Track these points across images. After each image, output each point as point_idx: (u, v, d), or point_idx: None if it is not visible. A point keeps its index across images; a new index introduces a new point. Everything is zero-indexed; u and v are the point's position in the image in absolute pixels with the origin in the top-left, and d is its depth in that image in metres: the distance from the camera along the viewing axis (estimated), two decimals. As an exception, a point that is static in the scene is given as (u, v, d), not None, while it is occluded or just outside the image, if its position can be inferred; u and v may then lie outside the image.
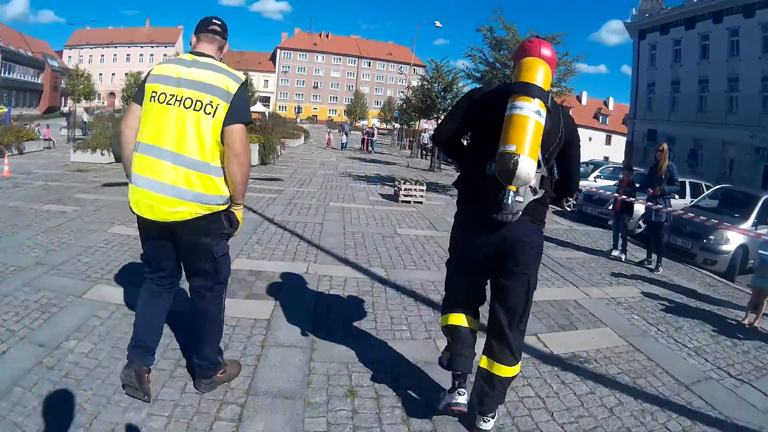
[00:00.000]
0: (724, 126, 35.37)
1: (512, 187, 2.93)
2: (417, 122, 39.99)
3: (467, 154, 3.46)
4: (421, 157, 36.32)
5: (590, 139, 72.69)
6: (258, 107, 70.56)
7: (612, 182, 17.82)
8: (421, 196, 13.51)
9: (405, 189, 13.39)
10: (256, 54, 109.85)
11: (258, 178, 15.18)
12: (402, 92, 44.40)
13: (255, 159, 19.28)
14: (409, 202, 13.26)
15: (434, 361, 3.97)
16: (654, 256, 9.49)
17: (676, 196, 12.31)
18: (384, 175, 20.63)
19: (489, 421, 3.40)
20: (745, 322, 6.66)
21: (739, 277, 10.26)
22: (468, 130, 3.47)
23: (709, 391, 4.51)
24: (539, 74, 3.06)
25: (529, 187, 3.08)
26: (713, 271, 10.07)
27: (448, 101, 25.28)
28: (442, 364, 3.54)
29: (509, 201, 2.93)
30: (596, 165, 21.22)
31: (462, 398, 3.39)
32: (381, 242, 8.66)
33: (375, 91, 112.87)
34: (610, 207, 10.94)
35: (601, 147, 72.80)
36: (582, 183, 17.52)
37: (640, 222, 12.48)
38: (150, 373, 3.53)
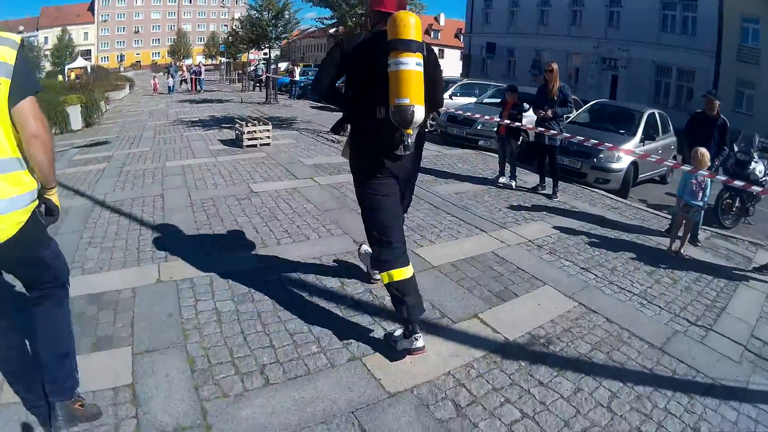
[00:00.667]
0: (567, 38, 35.53)
1: (409, 131, 3.26)
2: (245, 54, 37.06)
3: (353, 102, 3.63)
4: (254, 90, 33.41)
5: None
6: (79, 62, 65.02)
7: (469, 99, 16.86)
8: (268, 138, 11.60)
9: (248, 132, 11.37)
10: (74, 6, 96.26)
11: (83, 146, 12.42)
12: (226, 25, 40.74)
13: (78, 122, 16.23)
14: (255, 146, 11.34)
15: (376, 398, 3.20)
16: (547, 181, 8.67)
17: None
18: (219, 117, 17.95)
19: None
20: (673, 250, 6.31)
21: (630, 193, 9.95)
22: (340, 78, 3.64)
23: (685, 349, 4.08)
24: (413, 29, 3.22)
25: None
26: (607, 190, 9.47)
27: (280, 29, 22.77)
28: (403, 318, 3.54)
29: (409, 142, 3.27)
30: (451, 82, 19.29)
31: (421, 341, 3.50)
32: (238, 209, 6.84)
33: (197, 28, 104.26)
34: (495, 130, 9.75)
35: (434, 61, 71.32)
36: None
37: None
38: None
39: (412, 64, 3.19)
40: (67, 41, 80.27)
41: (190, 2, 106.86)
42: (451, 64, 64.53)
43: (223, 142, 12.26)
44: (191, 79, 33.55)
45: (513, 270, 5.26)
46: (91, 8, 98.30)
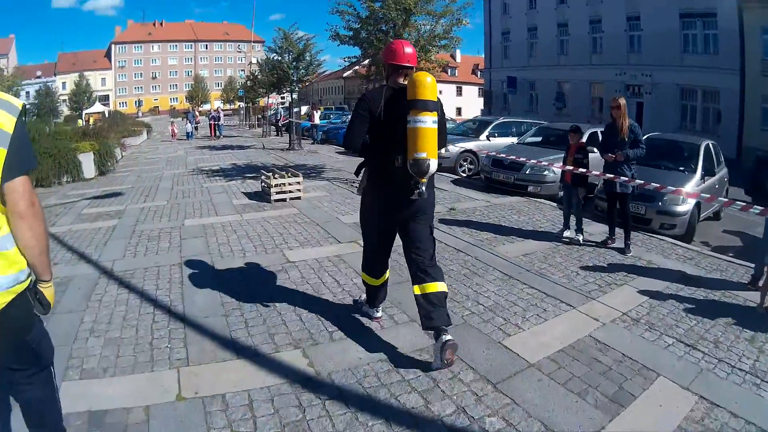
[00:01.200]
0: (588, 66, 34.56)
1: (424, 180, 3.89)
2: (264, 98, 36.43)
3: (375, 150, 4.11)
4: (278, 134, 32.56)
5: (441, 92, 70.07)
6: (97, 107, 65.26)
7: (508, 140, 15.78)
8: (298, 191, 10.53)
9: (276, 185, 10.26)
10: (91, 53, 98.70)
11: (96, 197, 11.42)
12: (243, 70, 40.20)
13: (92, 170, 15.32)
14: (284, 200, 10.22)
15: None
16: (617, 232, 7.71)
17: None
18: (242, 165, 16.96)
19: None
20: (764, 307, 5.51)
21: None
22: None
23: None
24: (430, 89, 3.82)
25: None
26: (672, 236, 8.44)
27: (302, 71, 21.72)
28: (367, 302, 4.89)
29: (423, 189, 3.91)
30: (483, 123, 18.08)
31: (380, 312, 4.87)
32: (274, 287, 5.67)
33: (215, 73, 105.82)
34: (554, 177, 8.74)
35: (453, 98, 71.25)
36: (472, 145, 15.53)
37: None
38: None
39: (429, 122, 3.81)
40: (85, 86, 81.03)
41: (207, 48, 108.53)
42: (470, 101, 64.04)
43: (248, 195, 11.17)
44: (210, 124, 32.69)
45: (619, 359, 4.26)
46: (108, 54, 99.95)
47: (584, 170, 7.70)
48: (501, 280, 6.03)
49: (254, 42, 62.94)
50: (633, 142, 7.30)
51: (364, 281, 4.73)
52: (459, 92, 75.97)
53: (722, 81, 26.31)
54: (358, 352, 4.19)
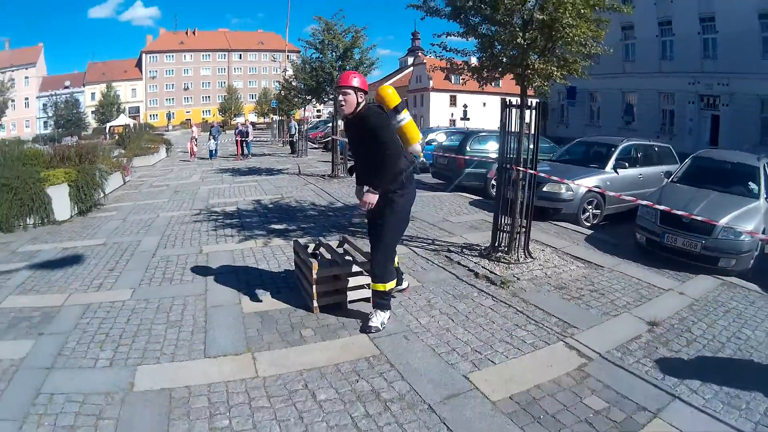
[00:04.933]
0: (657, 75, 30.76)
1: (421, 155, 5.22)
2: (299, 110, 31.49)
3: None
4: (292, 152, 28.73)
5: (484, 104, 67.86)
6: (121, 120, 62.59)
7: (638, 170, 11.63)
8: (368, 285, 5.51)
9: (322, 280, 5.40)
10: (121, 63, 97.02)
11: (45, 264, 7.51)
12: (278, 82, 35.53)
13: (66, 209, 11.20)
14: (337, 306, 5.53)
15: None
16: None
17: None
18: (268, 204, 12.32)
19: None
20: None
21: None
22: None
23: None
24: (394, 95, 5.02)
25: None
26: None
27: (356, 68, 16.20)
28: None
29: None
30: (602, 146, 12.57)
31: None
32: None
33: (249, 84, 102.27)
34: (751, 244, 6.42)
35: (496, 111, 66.62)
36: (597, 181, 10.73)
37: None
38: None
39: (408, 117, 5.00)
40: (113, 97, 78.80)
41: (240, 58, 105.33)
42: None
43: (273, 291, 6.29)
44: (237, 141, 27.75)
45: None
46: (139, 64, 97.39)
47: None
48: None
49: (289, 51, 59.04)
50: None
51: (388, 292, 5.02)
52: (527, 103, 71.70)
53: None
54: None
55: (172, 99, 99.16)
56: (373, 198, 4.73)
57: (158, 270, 7.21)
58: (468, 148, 15.05)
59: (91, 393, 3.92)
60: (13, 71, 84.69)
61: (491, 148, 14.10)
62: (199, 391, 3.96)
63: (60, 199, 11.08)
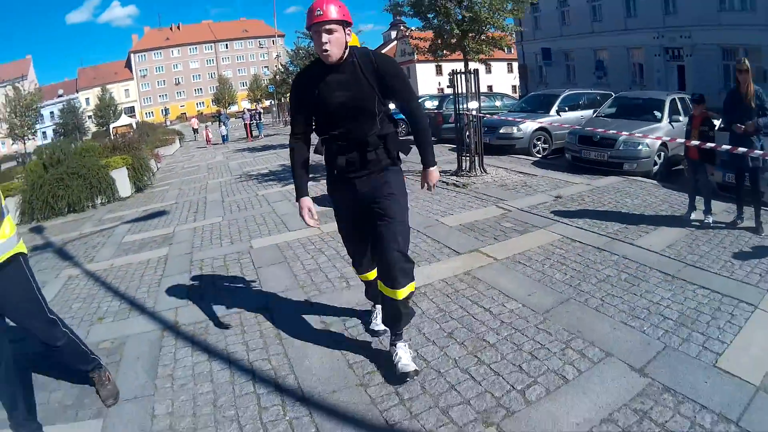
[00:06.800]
0: (624, 32, 33.09)
1: None
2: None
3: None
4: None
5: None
6: (124, 120, 64.51)
7: (579, 113, 14.62)
8: None
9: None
10: (111, 65, 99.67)
11: (137, 219, 10.16)
12: (266, 68, 38.61)
13: (127, 188, 14.08)
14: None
15: None
16: (745, 211, 6.96)
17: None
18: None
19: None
20: None
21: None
22: None
23: None
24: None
25: None
26: None
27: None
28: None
29: None
30: (549, 96, 16.22)
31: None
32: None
33: (238, 73, 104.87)
34: (682, 154, 8.11)
35: (482, 76, 68.50)
36: (544, 121, 14.04)
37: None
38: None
39: None
40: (109, 100, 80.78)
41: (227, 47, 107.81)
42: (499, 78, 61.60)
43: (316, 200, 9.57)
44: (245, 125, 31.26)
45: None
46: (128, 65, 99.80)
47: (713, 144, 6.79)
48: (666, 281, 4.99)
49: (276, 36, 61.34)
50: (760, 109, 6.52)
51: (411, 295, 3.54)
52: (489, 70, 73.79)
53: (763, 38, 24.93)
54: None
55: (165, 95, 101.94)
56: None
57: (233, 206, 10.45)
58: (444, 108, 19.27)
59: (227, 254, 7.06)
60: (5, 86, 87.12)
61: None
62: (289, 245, 7.15)
63: (121, 180, 14.00)
